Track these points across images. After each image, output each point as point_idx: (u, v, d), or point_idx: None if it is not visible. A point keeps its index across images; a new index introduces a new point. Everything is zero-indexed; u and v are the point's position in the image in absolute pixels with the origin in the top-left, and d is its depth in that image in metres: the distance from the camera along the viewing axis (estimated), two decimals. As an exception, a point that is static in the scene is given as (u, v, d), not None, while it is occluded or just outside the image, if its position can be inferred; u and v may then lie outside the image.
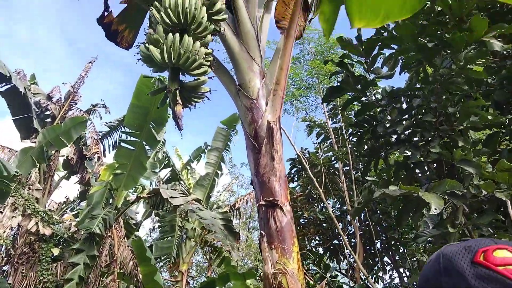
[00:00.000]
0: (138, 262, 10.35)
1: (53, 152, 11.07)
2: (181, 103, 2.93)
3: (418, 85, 4.57)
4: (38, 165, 10.56)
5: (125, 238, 10.99)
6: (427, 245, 5.31)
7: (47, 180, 11.39)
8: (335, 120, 9.65)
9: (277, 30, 4.12)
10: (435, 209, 3.04)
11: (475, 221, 3.39)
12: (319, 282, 6.15)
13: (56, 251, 10.21)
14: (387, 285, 8.20)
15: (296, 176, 9.98)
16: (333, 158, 9.01)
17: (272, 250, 2.94)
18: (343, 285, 7.57)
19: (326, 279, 4.47)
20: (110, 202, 10.75)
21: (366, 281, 7.17)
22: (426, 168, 3.91)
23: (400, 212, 3.61)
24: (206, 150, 14.55)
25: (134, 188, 13.32)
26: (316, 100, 13.69)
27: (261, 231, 3.05)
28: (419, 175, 4.04)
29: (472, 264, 0.70)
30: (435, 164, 3.99)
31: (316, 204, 9.25)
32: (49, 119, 12.42)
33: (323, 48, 13.86)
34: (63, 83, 13.66)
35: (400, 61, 4.62)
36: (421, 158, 3.70)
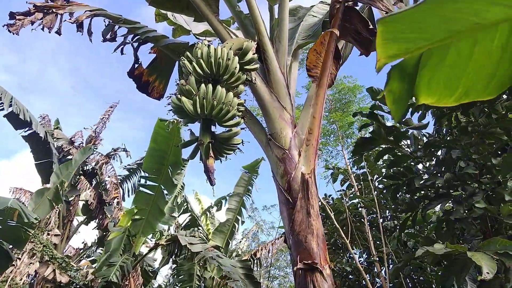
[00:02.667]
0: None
1: (73, 197, 11.06)
2: (213, 156, 2.81)
3: (449, 135, 4.40)
4: (55, 206, 10.53)
5: (142, 287, 10.65)
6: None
7: (66, 225, 11.30)
8: (360, 167, 9.42)
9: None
10: (488, 272, 2.77)
11: (532, 285, 3.08)
12: None
13: (72, 300, 9.93)
14: None
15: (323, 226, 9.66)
16: (359, 205, 8.68)
17: (311, 319, 2.67)
18: None
19: None
20: (128, 249, 10.53)
21: None
22: (470, 225, 3.64)
23: (445, 273, 3.32)
24: (227, 197, 14.38)
25: (152, 234, 13.10)
26: (336, 147, 13.53)
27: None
28: (461, 231, 3.77)
29: None
30: (478, 220, 3.73)
31: (342, 255, 8.82)
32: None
33: (340, 95, 13.91)
34: (84, 128, 13.91)
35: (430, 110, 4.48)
36: (465, 213, 3.46)
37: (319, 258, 2.86)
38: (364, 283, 8.18)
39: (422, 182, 3.68)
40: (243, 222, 14.10)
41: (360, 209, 8.91)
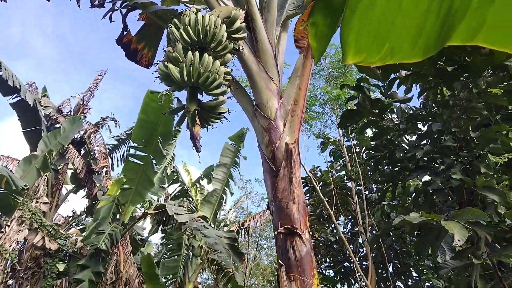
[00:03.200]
0: (145, 280, 10.18)
1: (61, 165, 11.05)
2: (199, 124, 2.86)
3: (434, 108, 4.48)
4: (42, 174, 10.52)
5: (131, 255, 10.85)
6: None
7: (55, 193, 11.34)
8: (349, 138, 9.53)
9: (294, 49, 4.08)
10: (459, 240, 2.91)
11: (501, 251, 3.24)
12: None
13: (61, 267, 10.09)
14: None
15: (308, 194, 9.82)
16: (345, 177, 8.85)
17: (291, 282, 2.81)
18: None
19: None
20: (117, 217, 10.66)
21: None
22: (447, 196, 3.78)
23: (420, 240, 3.48)
24: (214, 167, 14.47)
25: (141, 204, 13.23)
26: (331, 117, 13.58)
27: (279, 261, 2.92)
28: (439, 202, 3.91)
29: None
30: (455, 191, 3.86)
31: (327, 225, 9.06)
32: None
33: (339, 63, 13.79)
34: (72, 96, 13.72)
35: (415, 84, 4.54)
36: (442, 184, 3.58)
37: (299, 224, 2.98)
38: (347, 252, 8.45)
39: (402, 154, 3.78)
40: (232, 194, 14.28)
41: (346, 181, 9.10)
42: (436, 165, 3.80)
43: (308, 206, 9.00)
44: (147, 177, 10.51)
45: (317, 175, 9.22)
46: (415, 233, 4.27)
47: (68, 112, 13.25)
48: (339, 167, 8.69)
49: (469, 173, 3.74)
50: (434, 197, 3.93)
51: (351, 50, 1.10)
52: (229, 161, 13.61)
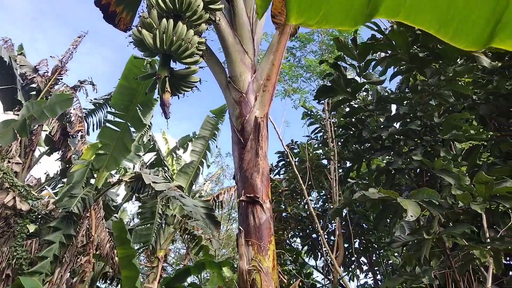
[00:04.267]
0: (116, 244, 10.26)
1: (35, 126, 10.86)
2: (169, 91, 2.90)
3: (408, 93, 4.62)
4: (19, 138, 10.35)
5: (104, 220, 10.90)
6: (402, 249, 5.43)
7: (28, 154, 11.20)
8: (330, 115, 9.66)
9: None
10: (411, 216, 3.09)
11: (449, 230, 3.45)
12: (293, 280, 6.21)
13: (32, 228, 10.09)
14: (359, 286, 8.33)
15: (283, 169, 9.99)
16: (322, 156, 9.03)
17: (248, 246, 2.95)
18: (317, 284, 7.64)
19: (300, 279, 4.50)
20: (91, 182, 10.64)
21: (340, 280, 7.27)
22: (407, 177, 3.96)
23: (378, 216, 3.66)
24: (193, 139, 14.46)
25: (116, 170, 13.21)
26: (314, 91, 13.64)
27: (240, 227, 3.06)
28: (399, 182, 4.10)
29: None
30: (416, 173, 4.05)
31: (299, 200, 9.29)
32: (34, 92, 12.17)
33: (329, 40, 13.80)
34: (50, 56, 13.33)
35: (393, 67, 4.65)
36: (403, 165, 3.75)
37: (261, 193, 3.10)
38: (316, 227, 8.72)
39: (369, 134, 3.92)
40: (208, 166, 14.38)
41: (322, 158, 9.30)
42: (400, 147, 3.96)
43: (283, 181, 9.19)
44: (123, 144, 10.46)
45: (294, 150, 9.38)
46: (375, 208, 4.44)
47: (45, 73, 12.92)
48: (316, 145, 8.83)
49: (430, 157, 3.91)
50: (396, 177, 4.11)
51: (294, 12, 1.19)
52: (208, 134, 13.65)
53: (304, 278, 5.80)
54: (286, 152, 9.53)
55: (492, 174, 3.79)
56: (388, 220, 4.08)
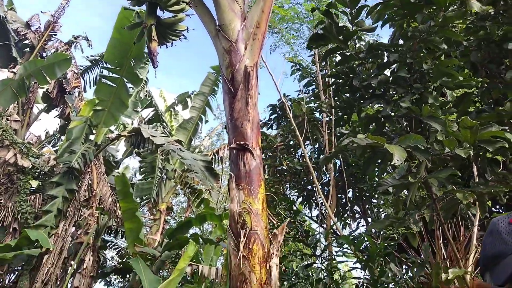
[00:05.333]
0: (119, 198, 10.53)
1: (32, 83, 10.82)
2: (156, 39, 2.91)
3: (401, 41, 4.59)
4: (19, 98, 10.34)
5: (105, 175, 11.14)
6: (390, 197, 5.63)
7: (26, 112, 11.24)
8: (322, 67, 9.59)
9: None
10: (397, 160, 3.19)
11: (434, 175, 3.57)
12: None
13: (34, 183, 10.33)
14: (351, 232, 8.66)
15: (275, 123, 10.05)
16: (315, 109, 9.08)
17: (239, 190, 3.08)
18: (310, 230, 7.92)
19: (288, 219, 4.71)
20: (90, 138, 10.77)
21: (334, 227, 7.56)
22: (397, 124, 4.03)
23: (366, 162, 3.77)
24: (192, 95, 14.42)
25: (115, 126, 13.30)
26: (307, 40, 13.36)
27: (231, 173, 3.17)
28: (388, 130, 4.17)
29: (509, 224, 0.85)
30: (406, 120, 4.11)
31: (294, 154, 9.45)
32: (28, 49, 12.01)
33: None
34: (41, 11, 12.99)
35: (385, 15, 4.59)
36: (391, 112, 3.81)
37: (252, 141, 3.20)
38: (311, 178, 8.94)
39: (360, 82, 3.94)
40: (207, 121, 14.45)
41: (316, 112, 9.36)
42: (391, 95, 4.00)
43: (277, 137, 9.29)
44: (120, 100, 10.48)
45: (288, 104, 9.42)
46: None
47: (37, 29, 12.66)
48: (308, 99, 8.85)
49: (420, 104, 3.96)
50: (385, 125, 4.18)
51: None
52: (208, 90, 13.60)
53: (298, 225, 6.03)
54: (278, 105, 9.57)
55: (480, 120, 3.86)
56: (378, 167, 4.20)
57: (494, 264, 0.82)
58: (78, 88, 11.39)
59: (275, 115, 9.74)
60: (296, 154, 9.61)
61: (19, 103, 11.08)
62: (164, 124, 12.93)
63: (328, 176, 9.41)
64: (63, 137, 12.64)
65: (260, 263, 2.88)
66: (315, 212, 10.08)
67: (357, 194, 8.99)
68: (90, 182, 10.79)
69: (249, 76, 3.31)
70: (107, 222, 12.57)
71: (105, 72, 10.59)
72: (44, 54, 11.71)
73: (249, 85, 3.30)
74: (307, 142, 9.19)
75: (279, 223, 4.07)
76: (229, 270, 2.94)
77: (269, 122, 10.05)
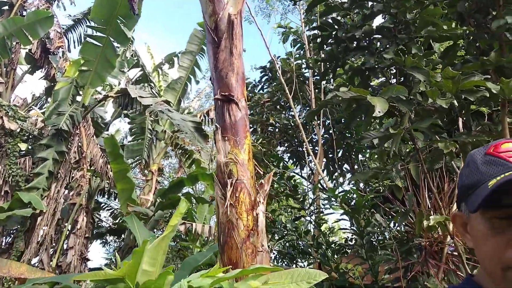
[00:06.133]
0: (110, 160, 10.57)
1: (14, 43, 10.51)
2: (137, -12, 2.83)
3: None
4: (1, 59, 10.07)
5: (94, 137, 11.11)
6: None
7: (9, 73, 11.00)
8: (309, 27, 9.46)
9: None
10: (379, 111, 3.24)
11: (416, 125, 3.64)
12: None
13: (23, 146, 10.28)
14: (338, 186, 8.86)
15: (266, 84, 10.04)
16: (303, 66, 9.02)
17: (225, 141, 3.13)
18: (299, 184, 8.10)
19: (274, 169, 4.80)
20: (77, 99, 10.65)
21: (322, 182, 7.73)
22: (381, 75, 4.05)
23: (350, 115, 3.82)
24: (179, 54, 14.13)
25: (102, 87, 13.11)
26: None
27: (216, 124, 3.20)
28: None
29: (485, 155, 0.86)
30: (392, 73, 4.13)
31: (283, 112, 9.47)
32: (6, 7, 11.56)
33: None
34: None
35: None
36: (375, 63, 3.82)
37: (237, 92, 3.21)
38: (301, 137, 9.03)
39: (344, 33, 3.91)
40: (197, 82, 14.28)
41: (305, 69, 9.32)
42: (375, 46, 3.99)
43: (265, 94, 9.27)
44: (107, 60, 10.27)
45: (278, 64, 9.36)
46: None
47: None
48: (297, 55, 8.77)
49: (404, 55, 3.97)
50: (370, 78, 4.20)
51: None
52: (196, 48, 13.31)
53: (286, 181, 6.16)
54: (268, 67, 9.51)
55: (463, 70, 3.89)
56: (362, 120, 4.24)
57: (469, 193, 0.85)
58: (62, 48, 11.12)
59: (266, 77, 9.68)
60: (285, 113, 9.63)
61: (1, 64, 10.82)
62: (152, 84, 12.77)
63: (316, 135, 9.51)
64: (50, 99, 12.48)
65: (247, 210, 2.98)
66: (306, 176, 10.27)
67: (347, 153, 9.13)
68: (79, 144, 10.77)
69: (233, 24, 3.27)
70: (99, 184, 12.69)
71: (90, 31, 10.31)
72: (24, 13, 11.30)
73: (233, 34, 3.26)
74: (296, 100, 9.19)
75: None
76: (217, 218, 3.04)
77: (260, 83, 10.03)
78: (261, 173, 3.43)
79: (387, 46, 3.85)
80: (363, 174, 4.02)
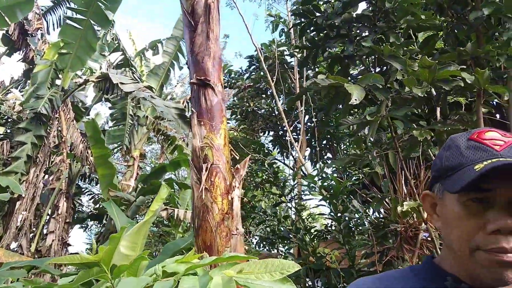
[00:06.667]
0: (91, 144, 10.42)
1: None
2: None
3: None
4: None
5: (74, 121, 10.94)
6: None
7: (-14, 54, 10.69)
8: (293, 14, 9.43)
9: None
10: (355, 99, 3.27)
11: (391, 112, 3.69)
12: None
13: (1, 130, 10.08)
14: (319, 172, 8.93)
15: (253, 73, 10.02)
16: (286, 53, 9.01)
17: (201, 126, 3.12)
18: (280, 171, 8.16)
19: (250, 154, 4.82)
20: (57, 83, 10.43)
21: (303, 168, 7.79)
22: (360, 63, 4.08)
23: (329, 102, 3.85)
24: (163, 41, 13.89)
25: (82, 71, 12.87)
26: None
27: (192, 108, 3.19)
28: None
29: (468, 140, 0.88)
30: (371, 61, 4.16)
31: (266, 98, 9.47)
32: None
33: None
34: None
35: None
36: (354, 51, 3.84)
37: (213, 77, 3.19)
38: (284, 126, 9.07)
39: (324, 21, 3.91)
40: (181, 68, 14.11)
41: (289, 57, 9.31)
42: (354, 34, 4.00)
43: (247, 80, 9.24)
44: (87, 43, 10.04)
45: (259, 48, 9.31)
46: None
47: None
48: (280, 42, 8.75)
49: (382, 43, 4.00)
50: (350, 66, 4.23)
51: None
52: (181, 34, 13.10)
53: (268, 168, 6.20)
54: (256, 56, 9.47)
55: (441, 60, 3.95)
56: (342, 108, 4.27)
57: (448, 175, 0.87)
58: (41, 30, 10.83)
59: (253, 66, 9.65)
60: (268, 99, 9.63)
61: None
62: (134, 69, 12.56)
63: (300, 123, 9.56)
64: (29, 82, 12.19)
65: (222, 194, 2.99)
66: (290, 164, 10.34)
67: (330, 142, 9.20)
68: (59, 128, 10.59)
69: (209, 8, 3.24)
70: (80, 169, 12.53)
71: (70, 13, 10.04)
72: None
73: (210, 18, 3.24)
74: (280, 88, 9.19)
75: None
76: (192, 202, 3.05)
77: (246, 72, 10.01)
78: (237, 158, 3.44)
79: (366, 34, 3.87)
80: (340, 161, 4.07)
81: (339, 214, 5.39)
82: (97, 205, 13.88)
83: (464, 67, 3.79)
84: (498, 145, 0.84)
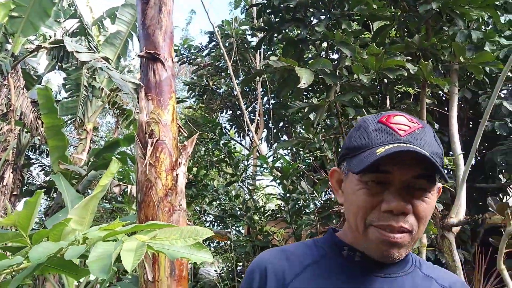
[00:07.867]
0: (42, 113, 9.95)
1: None
2: None
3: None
4: None
5: (24, 89, 10.41)
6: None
7: None
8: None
9: None
10: (304, 83, 3.36)
11: (338, 98, 3.83)
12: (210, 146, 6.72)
13: None
14: (272, 153, 9.10)
15: (213, 50, 9.89)
16: (248, 32, 8.95)
17: (148, 100, 3.10)
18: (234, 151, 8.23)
19: (198, 132, 4.84)
20: (6, 48, 9.85)
21: (258, 149, 7.90)
22: (313, 48, 4.17)
23: (280, 85, 3.92)
24: (120, 7, 13.28)
25: (35, 37, 12.21)
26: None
27: (140, 82, 3.16)
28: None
29: (377, 123, 0.92)
30: (324, 47, 4.26)
31: (224, 77, 9.42)
32: None
33: None
34: None
35: None
36: (307, 36, 3.91)
37: (164, 52, 3.17)
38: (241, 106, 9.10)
39: (280, 3, 3.95)
40: (140, 40, 13.65)
41: (250, 36, 9.26)
42: (309, 19, 4.07)
43: (207, 57, 9.14)
44: (41, 7, 9.52)
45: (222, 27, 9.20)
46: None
47: None
48: (242, 20, 8.68)
49: (335, 30, 4.10)
50: (304, 50, 4.31)
51: None
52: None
53: (223, 147, 6.24)
54: (215, 32, 9.36)
55: (389, 50, 4.10)
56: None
57: (353, 155, 0.92)
58: (-11, -12, 10.11)
59: (213, 43, 9.51)
60: (226, 78, 9.58)
61: None
62: (90, 38, 12.04)
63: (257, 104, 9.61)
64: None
65: (166, 170, 3.01)
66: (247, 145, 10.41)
67: (286, 125, 9.32)
68: (7, 96, 10.05)
69: (164, -18, 3.19)
70: (30, 139, 12.00)
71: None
72: None
73: (163, -8, 3.19)
74: (239, 67, 9.16)
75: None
76: (136, 177, 3.05)
77: (206, 48, 9.86)
78: (185, 134, 3.45)
79: (320, 19, 3.95)
80: (287, 142, 4.19)
81: (288, 195, 5.57)
82: (48, 178, 13.42)
83: (410, 58, 3.97)
84: (403, 130, 0.90)
